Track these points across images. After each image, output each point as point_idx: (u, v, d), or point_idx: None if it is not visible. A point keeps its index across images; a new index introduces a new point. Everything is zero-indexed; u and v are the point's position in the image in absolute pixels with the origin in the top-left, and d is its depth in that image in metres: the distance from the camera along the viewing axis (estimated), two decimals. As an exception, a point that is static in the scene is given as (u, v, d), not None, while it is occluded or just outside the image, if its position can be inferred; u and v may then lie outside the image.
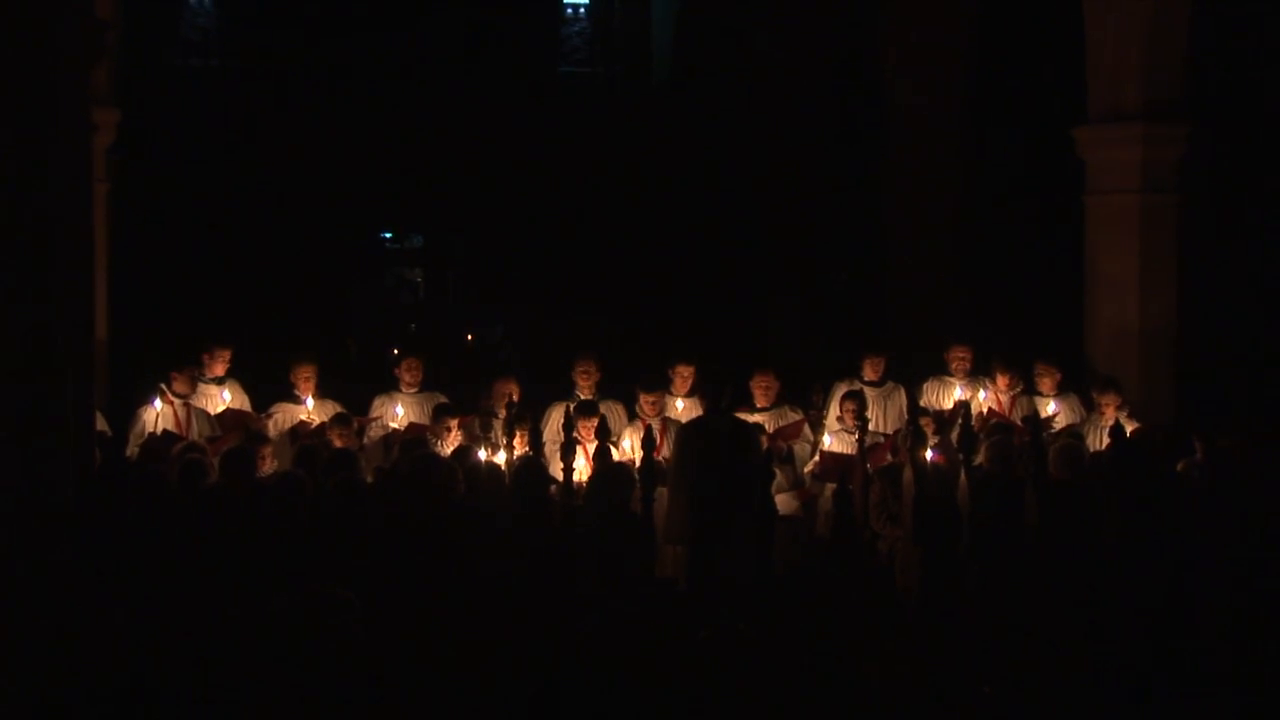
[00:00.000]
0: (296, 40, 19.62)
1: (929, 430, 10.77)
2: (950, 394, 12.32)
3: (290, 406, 11.82)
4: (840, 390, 11.86)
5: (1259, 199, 14.49)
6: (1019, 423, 11.43)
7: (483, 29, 20.19)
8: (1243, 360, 13.97)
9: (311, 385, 11.83)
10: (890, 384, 12.39)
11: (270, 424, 11.70)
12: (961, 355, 12.49)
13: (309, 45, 19.59)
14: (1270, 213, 14.46)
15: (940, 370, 12.56)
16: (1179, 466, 10.51)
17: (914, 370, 12.82)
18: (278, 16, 19.80)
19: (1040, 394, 12.24)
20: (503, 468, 10.37)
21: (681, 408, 11.55)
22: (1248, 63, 14.40)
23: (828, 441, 11.48)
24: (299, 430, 11.49)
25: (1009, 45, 15.72)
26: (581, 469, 10.28)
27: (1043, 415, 11.67)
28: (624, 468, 9.93)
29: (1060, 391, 12.27)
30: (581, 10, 21.43)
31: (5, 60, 5.85)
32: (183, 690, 6.01)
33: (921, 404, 11.96)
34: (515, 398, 11.26)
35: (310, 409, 11.71)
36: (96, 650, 6.62)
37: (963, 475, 9.81)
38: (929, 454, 10.36)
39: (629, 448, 11.03)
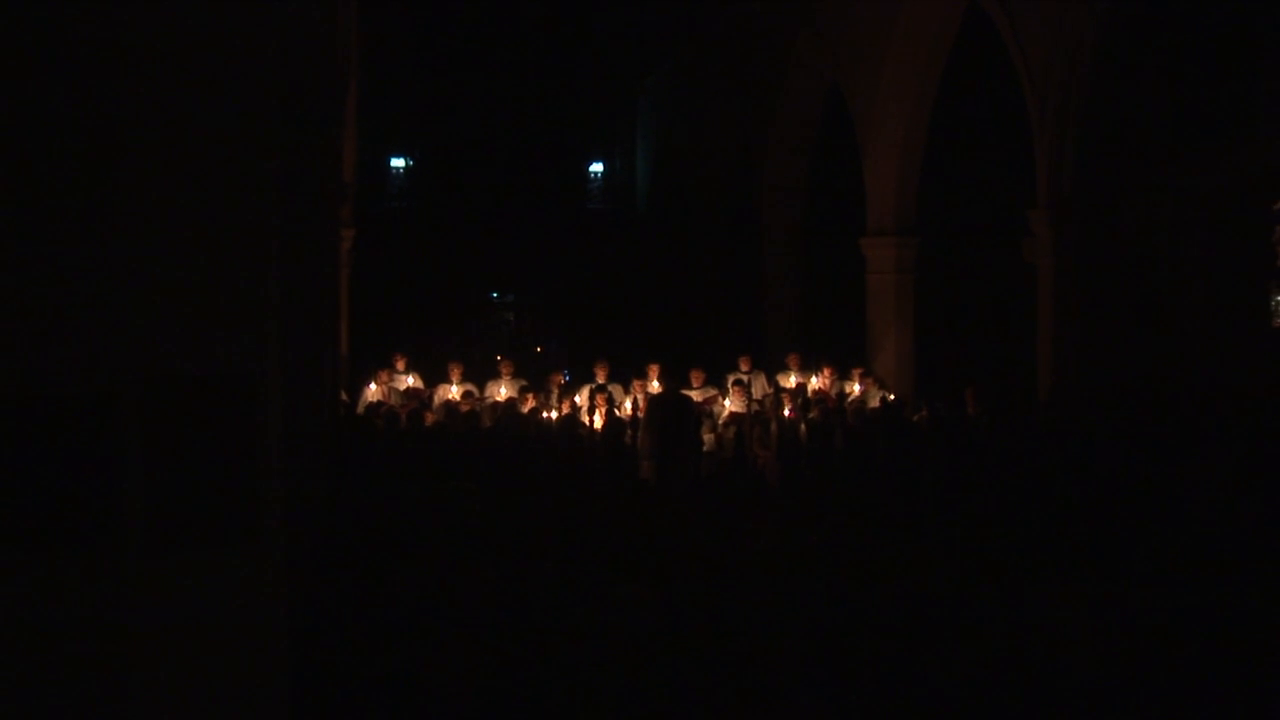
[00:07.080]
0: (447, 194, 19.84)
1: (786, 400, 10.70)
2: (789, 379, 12.16)
3: (445, 386, 11.69)
4: (732, 378, 11.62)
5: (961, 274, 14.39)
6: (832, 396, 11.39)
7: (548, 185, 20.39)
8: (952, 357, 13.77)
9: (457, 375, 11.71)
10: (756, 370, 12.17)
11: (435, 397, 11.56)
12: (795, 357, 12.34)
13: (454, 197, 19.80)
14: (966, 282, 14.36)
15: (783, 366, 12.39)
16: (915, 418, 10.48)
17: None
18: (438, 184, 20.00)
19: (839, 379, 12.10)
20: (555, 421, 10.31)
21: (654, 388, 11.44)
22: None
23: (729, 405, 11.36)
24: (450, 402, 11.36)
25: (837, 177, 15.05)
26: (598, 421, 10.27)
27: (846, 392, 11.66)
28: (621, 420, 9.88)
29: (846, 378, 12.13)
30: (599, 174, 21.52)
31: (303, 208, 5.95)
32: (378, 537, 5.96)
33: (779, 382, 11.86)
34: (562, 382, 11.29)
35: (455, 389, 11.61)
36: (339, 512, 6.59)
37: (802, 425, 9.79)
38: (786, 412, 10.34)
39: (626, 409, 10.94)
